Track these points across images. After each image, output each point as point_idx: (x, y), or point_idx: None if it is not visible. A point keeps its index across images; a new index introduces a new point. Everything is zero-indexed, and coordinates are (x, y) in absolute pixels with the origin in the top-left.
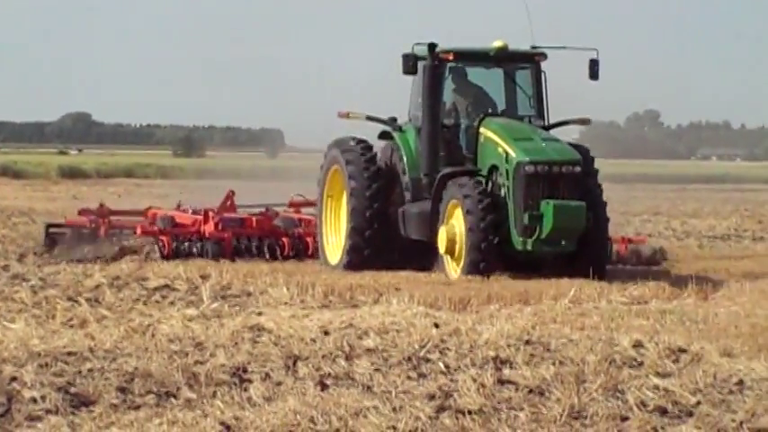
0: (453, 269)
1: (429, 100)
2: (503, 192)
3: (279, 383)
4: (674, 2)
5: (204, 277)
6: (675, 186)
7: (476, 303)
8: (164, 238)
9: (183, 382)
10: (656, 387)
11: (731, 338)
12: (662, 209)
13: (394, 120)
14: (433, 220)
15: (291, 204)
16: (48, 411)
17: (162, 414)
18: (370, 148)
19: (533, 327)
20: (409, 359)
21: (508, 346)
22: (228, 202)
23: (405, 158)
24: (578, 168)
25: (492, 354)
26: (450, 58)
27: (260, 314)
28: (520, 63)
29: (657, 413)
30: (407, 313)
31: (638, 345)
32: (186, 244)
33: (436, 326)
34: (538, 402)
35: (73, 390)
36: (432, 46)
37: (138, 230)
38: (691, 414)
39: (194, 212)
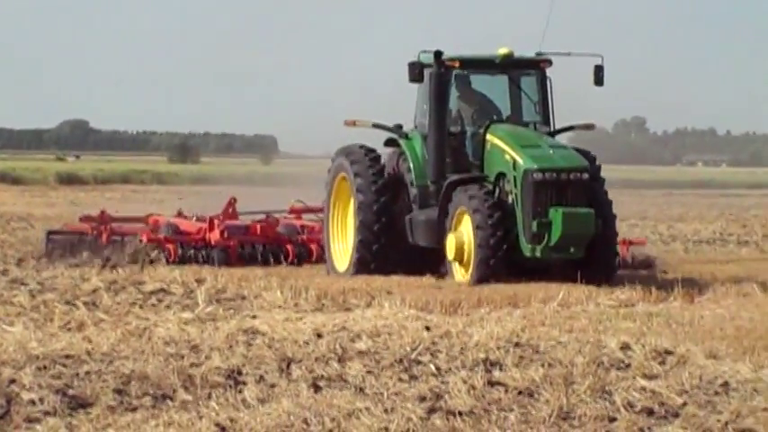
0: (462, 276)
1: (436, 107)
2: (510, 199)
3: (273, 385)
4: (660, 10)
5: (199, 281)
6: (662, 191)
7: (466, 306)
8: (169, 245)
9: (178, 384)
10: (643, 388)
11: (716, 341)
12: (649, 213)
13: (400, 127)
14: (440, 228)
15: (292, 211)
16: (46, 413)
17: (158, 415)
18: (378, 158)
19: (522, 329)
20: (401, 361)
21: (498, 348)
22: (230, 210)
23: (411, 166)
24: (586, 175)
25: (482, 356)
26: (457, 65)
27: (254, 317)
28: (525, 70)
29: (644, 414)
30: (399, 316)
31: (625, 347)
32: (192, 251)
33: (427, 329)
34: (527, 403)
35: (71, 392)
36: (438, 54)
37: (144, 238)
38: (677, 415)
39: (198, 220)
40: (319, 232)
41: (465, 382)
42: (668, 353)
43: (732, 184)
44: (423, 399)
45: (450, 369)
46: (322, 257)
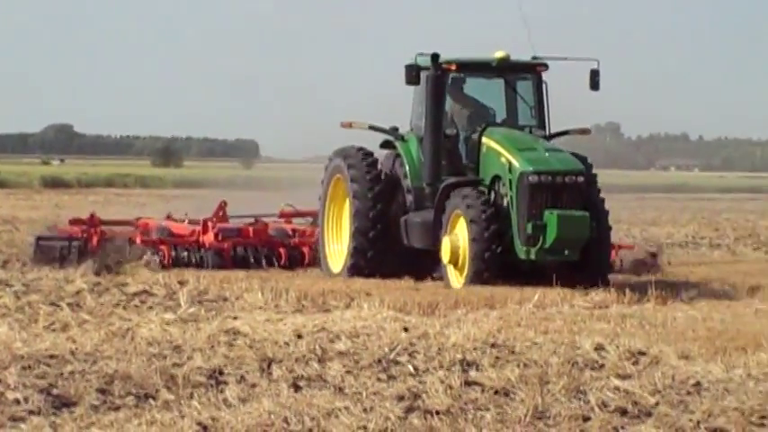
0: (456, 279)
1: (432, 110)
2: (505, 202)
3: (254, 385)
4: (634, 17)
5: (182, 283)
6: (635, 195)
7: (443, 308)
8: (163, 247)
9: (161, 383)
10: (617, 388)
11: (689, 342)
12: (622, 217)
13: (395, 129)
14: (435, 230)
15: (282, 215)
16: (30, 412)
17: (141, 415)
18: (374, 163)
19: (499, 330)
20: (379, 362)
21: (474, 348)
22: (221, 213)
23: (407, 167)
24: (581, 178)
25: (459, 356)
26: (453, 68)
27: (235, 318)
28: (521, 73)
29: (618, 413)
30: (378, 317)
31: (599, 348)
32: (185, 254)
33: (405, 330)
34: (503, 403)
35: (55, 391)
36: (435, 56)
37: (138, 240)
38: (650, 414)
39: (191, 222)
40: (311, 236)
41: (442, 381)
42: (641, 353)
43: (704, 189)
44: (401, 398)
45: (427, 369)
46: (314, 261)
